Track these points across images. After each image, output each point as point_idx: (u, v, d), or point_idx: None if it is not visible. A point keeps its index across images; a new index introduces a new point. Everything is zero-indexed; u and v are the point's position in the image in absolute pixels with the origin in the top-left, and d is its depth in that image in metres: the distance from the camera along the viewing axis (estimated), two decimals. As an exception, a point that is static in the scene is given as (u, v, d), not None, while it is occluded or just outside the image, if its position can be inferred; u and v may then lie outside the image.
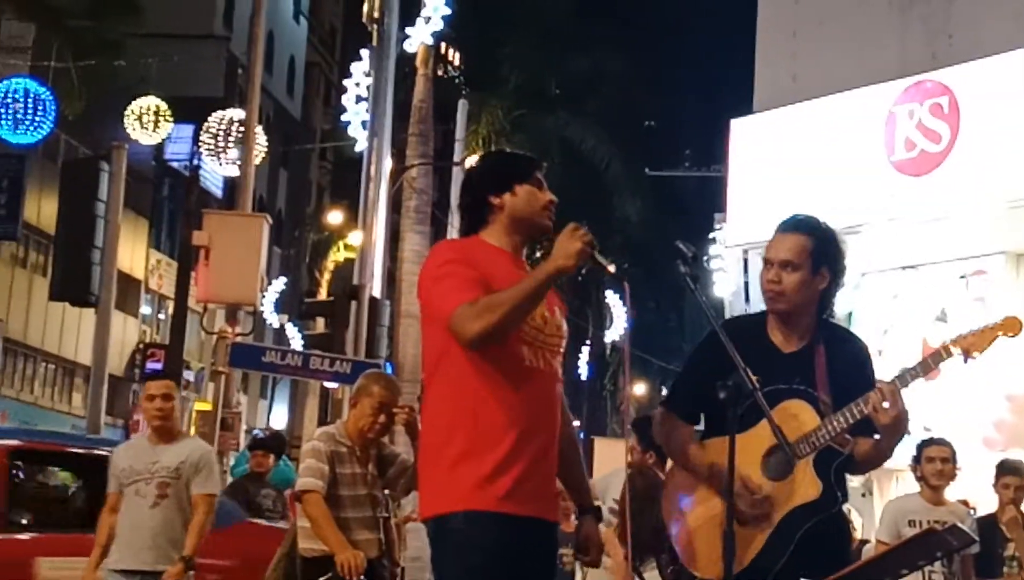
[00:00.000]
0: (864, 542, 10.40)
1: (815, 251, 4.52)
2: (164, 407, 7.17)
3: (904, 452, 7.86)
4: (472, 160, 4.81)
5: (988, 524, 7.83)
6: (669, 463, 4.82)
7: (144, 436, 7.54)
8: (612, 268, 4.21)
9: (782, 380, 4.39)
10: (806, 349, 4.53)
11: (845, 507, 4.70)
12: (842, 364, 4.50)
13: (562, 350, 4.34)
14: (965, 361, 4.46)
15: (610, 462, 9.09)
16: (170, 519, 7.10)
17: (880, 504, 10.70)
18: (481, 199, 4.34)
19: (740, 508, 4.31)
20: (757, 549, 4.39)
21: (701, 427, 4.69)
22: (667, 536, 5.19)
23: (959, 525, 5.09)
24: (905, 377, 4.37)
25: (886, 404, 4.29)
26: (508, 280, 4.12)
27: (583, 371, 39.46)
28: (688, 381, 4.69)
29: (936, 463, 7.50)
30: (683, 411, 4.64)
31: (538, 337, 4.20)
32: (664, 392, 4.77)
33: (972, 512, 8.33)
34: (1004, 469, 8.15)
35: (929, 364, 4.43)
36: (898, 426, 4.36)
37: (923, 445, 7.67)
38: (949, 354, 4.45)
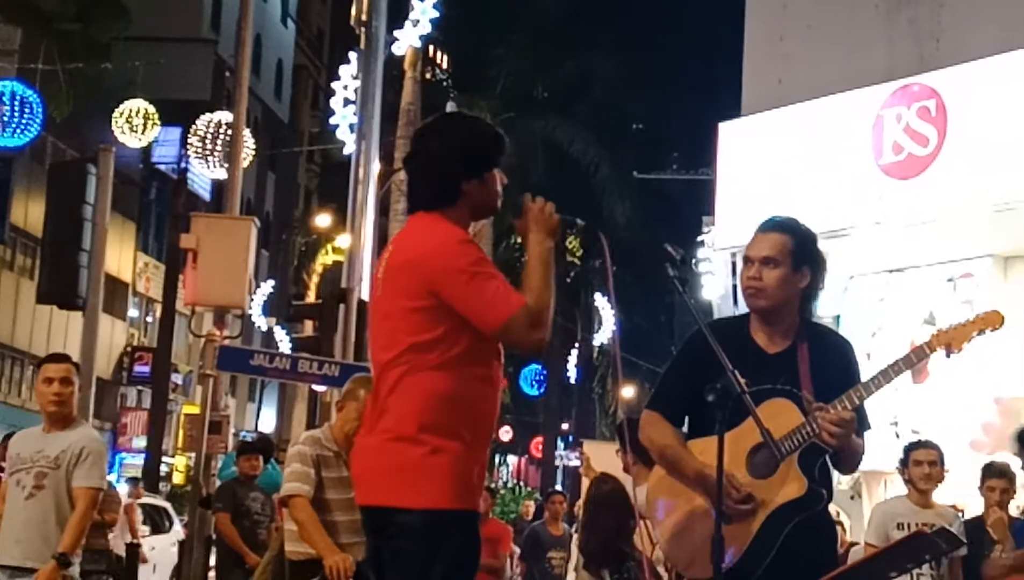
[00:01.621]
0: (853, 544, 10.41)
1: (796, 250, 4.56)
2: (62, 391, 6.66)
3: (892, 455, 7.91)
4: (446, 121, 4.47)
5: (975, 527, 7.83)
6: (655, 466, 4.82)
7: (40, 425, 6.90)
8: (580, 221, 4.22)
9: (767, 381, 4.43)
10: (790, 349, 4.57)
11: (834, 510, 4.73)
12: (826, 363, 4.54)
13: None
14: (947, 356, 4.51)
15: (600, 465, 9.06)
16: (44, 513, 6.59)
17: (869, 507, 10.72)
18: (454, 183, 4.18)
19: (727, 506, 4.34)
20: (743, 548, 4.41)
21: (686, 429, 4.71)
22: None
23: (947, 528, 5.11)
24: (888, 372, 4.42)
25: (835, 428, 4.31)
26: None
27: (572, 374, 39.49)
28: (672, 383, 4.72)
29: (923, 466, 7.51)
30: (668, 413, 4.66)
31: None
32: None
33: (960, 515, 8.34)
34: (990, 472, 8.14)
35: (911, 359, 4.47)
36: (846, 451, 4.44)
37: (910, 448, 7.69)
38: (932, 350, 4.50)
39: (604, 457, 9.14)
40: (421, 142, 4.35)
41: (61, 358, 6.99)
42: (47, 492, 6.58)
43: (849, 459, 4.55)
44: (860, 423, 4.48)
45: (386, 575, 4.11)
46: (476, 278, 3.99)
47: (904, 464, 7.64)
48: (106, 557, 12.13)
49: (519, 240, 4.14)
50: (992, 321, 4.52)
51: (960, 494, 9.31)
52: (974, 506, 8.76)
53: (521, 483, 48.24)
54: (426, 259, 4.08)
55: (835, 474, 4.70)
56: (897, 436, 10.69)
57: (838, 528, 11.88)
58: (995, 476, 8.05)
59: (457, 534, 4.02)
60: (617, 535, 7.33)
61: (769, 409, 4.37)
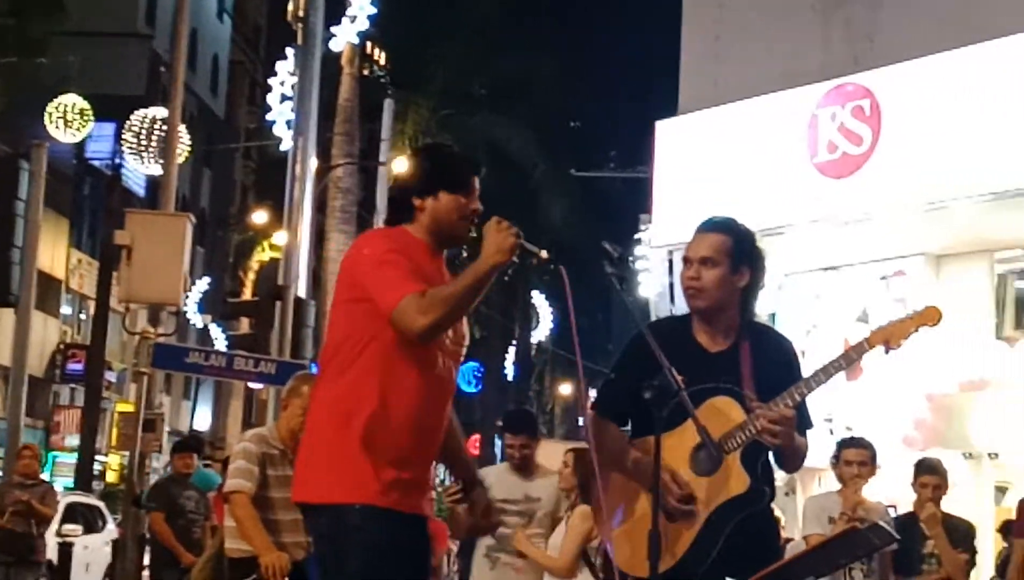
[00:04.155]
0: (788, 540, 10.48)
1: (734, 249, 4.59)
2: None
3: (826, 452, 7.96)
4: (407, 156, 4.91)
5: (907, 522, 7.89)
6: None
7: None
8: (545, 253, 4.26)
9: (709, 379, 4.44)
10: (731, 348, 4.58)
11: (769, 505, 4.73)
12: (768, 362, 4.56)
13: (461, 359, 4.43)
14: (886, 352, 4.50)
15: (554, 463, 8.99)
16: None
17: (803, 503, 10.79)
18: (406, 198, 4.36)
19: (668, 504, 4.37)
20: (687, 544, 4.42)
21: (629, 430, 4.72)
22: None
23: (881, 523, 5.13)
24: (828, 369, 4.42)
25: (776, 427, 4.33)
26: (432, 275, 4.21)
27: (509, 372, 39.48)
28: (616, 383, 4.71)
29: (853, 467, 7.51)
30: (612, 413, 4.66)
31: (447, 345, 4.28)
32: (592, 394, 4.79)
33: (892, 510, 8.41)
34: (922, 469, 8.17)
35: (852, 356, 4.48)
36: (789, 449, 4.46)
37: (842, 446, 7.70)
38: (871, 346, 4.50)
39: (541, 455, 9.06)
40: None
41: None
42: None
43: (792, 457, 4.55)
44: (802, 421, 4.49)
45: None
46: (383, 265, 4.13)
47: (836, 460, 7.68)
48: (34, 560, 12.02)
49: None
50: (930, 317, 4.53)
51: (892, 489, 9.39)
52: (906, 501, 8.84)
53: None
54: (352, 251, 4.36)
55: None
56: (831, 433, 10.75)
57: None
58: (927, 472, 8.08)
59: (354, 532, 4.07)
60: None
61: (711, 407, 4.40)
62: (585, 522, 7.26)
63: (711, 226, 4.64)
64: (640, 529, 4.43)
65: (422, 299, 4.03)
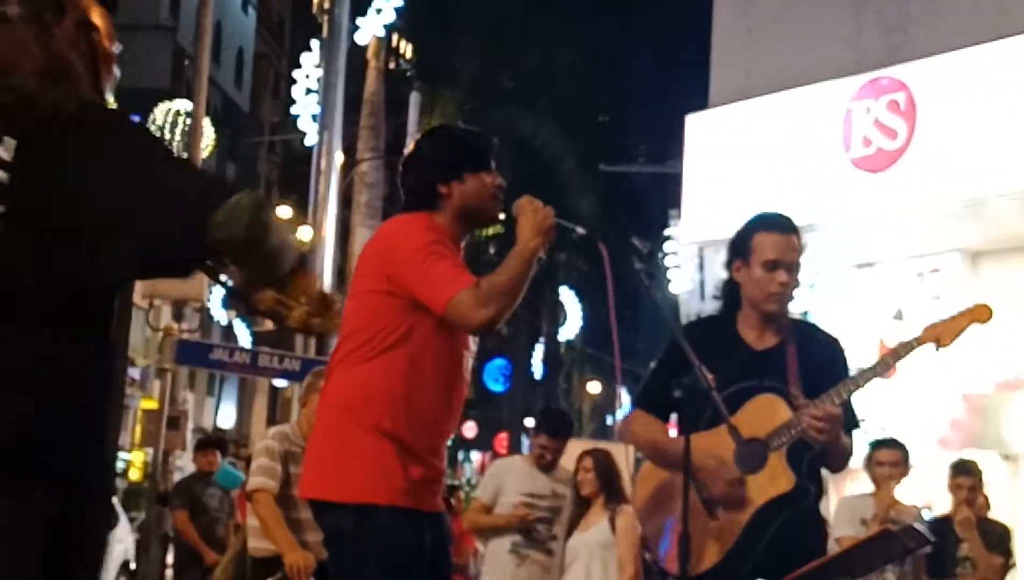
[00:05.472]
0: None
1: (801, 250, 4.66)
2: None
3: (860, 452, 7.83)
4: (415, 141, 4.89)
5: (942, 524, 7.80)
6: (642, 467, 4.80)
7: None
8: (581, 229, 4.24)
9: (754, 377, 4.44)
10: (778, 346, 4.58)
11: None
12: (813, 360, 4.55)
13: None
14: (937, 350, 4.47)
15: (566, 461, 8.94)
16: None
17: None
18: (428, 185, 4.22)
19: (716, 490, 4.37)
20: (731, 543, 4.39)
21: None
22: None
23: (914, 526, 5.04)
24: (876, 367, 4.42)
25: (822, 424, 4.29)
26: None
27: (537, 370, 39.32)
28: (657, 381, 4.67)
29: (885, 468, 7.53)
30: (656, 409, 4.65)
31: (470, 343, 4.22)
32: (622, 391, 4.83)
33: (927, 511, 8.32)
34: (958, 470, 8.17)
35: (900, 354, 4.47)
36: (834, 447, 4.42)
37: (874, 447, 7.71)
38: (920, 343, 4.46)
39: (570, 452, 8.96)
40: (408, 153, 4.50)
41: None
42: None
43: (837, 456, 4.53)
44: (848, 420, 4.48)
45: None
46: (429, 257, 3.99)
47: (868, 461, 7.61)
48: None
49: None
50: (981, 314, 4.51)
51: (929, 491, 9.28)
52: (941, 503, 8.74)
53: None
54: (386, 242, 4.17)
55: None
56: (865, 433, 10.64)
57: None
58: (963, 474, 8.08)
59: (381, 534, 3.98)
60: None
61: (757, 405, 4.39)
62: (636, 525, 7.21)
63: (790, 227, 4.66)
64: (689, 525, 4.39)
65: (478, 291, 3.92)
